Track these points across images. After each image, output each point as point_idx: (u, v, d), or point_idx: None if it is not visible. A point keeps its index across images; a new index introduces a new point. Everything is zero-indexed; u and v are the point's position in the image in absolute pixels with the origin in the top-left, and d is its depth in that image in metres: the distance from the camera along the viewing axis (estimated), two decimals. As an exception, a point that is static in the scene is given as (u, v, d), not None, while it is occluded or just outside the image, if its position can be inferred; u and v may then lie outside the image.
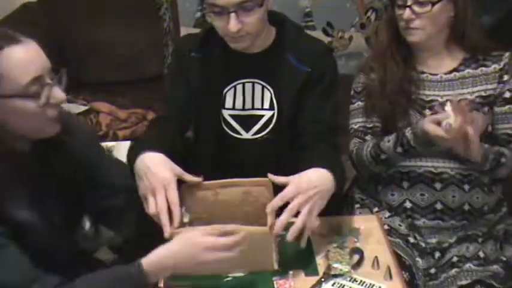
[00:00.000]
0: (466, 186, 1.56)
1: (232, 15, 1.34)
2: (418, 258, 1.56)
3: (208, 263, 1.14)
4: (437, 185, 1.56)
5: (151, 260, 1.13)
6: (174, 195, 1.22)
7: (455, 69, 1.59)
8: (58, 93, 1.13)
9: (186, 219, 1.30)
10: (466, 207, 1.56)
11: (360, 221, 1.49)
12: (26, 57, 1.09)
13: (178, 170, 1.28)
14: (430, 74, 1.61)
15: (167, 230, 1.20)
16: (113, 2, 3.04)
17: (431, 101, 1.58)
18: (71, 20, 2.94)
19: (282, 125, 1.52)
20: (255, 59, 1.51)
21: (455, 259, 1.54)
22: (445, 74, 1.60)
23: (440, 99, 1.57)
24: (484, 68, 1.57)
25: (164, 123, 1.50)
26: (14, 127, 1.11)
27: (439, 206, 1.57)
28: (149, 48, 3.06)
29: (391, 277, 1.28)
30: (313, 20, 3.01)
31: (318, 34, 2.90)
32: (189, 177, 1.29)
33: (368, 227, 1.46)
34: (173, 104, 1.54)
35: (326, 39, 2.95)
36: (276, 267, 1.26)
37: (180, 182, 1.30)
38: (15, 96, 1.07)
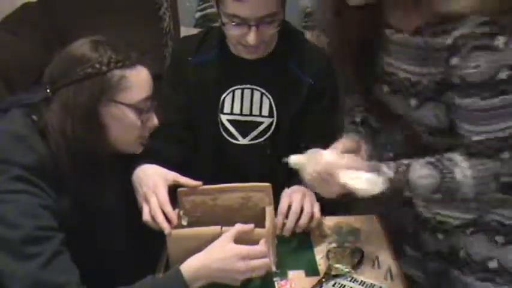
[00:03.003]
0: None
1: (254, 28, 1.33)
2: None
3: (239, 272, 1.15)
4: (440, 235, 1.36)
5: (189, 267, 1.14)
6: (162, 196, 1.24)
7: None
8: (154, 119, 1.28)
9: (184, 223, 1.30)
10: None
11: (360, 221, 1.49)
12: (147, 78, 1.25)
13: (172, 175, 1.30)
14: (396, 30, 1.22)
15: (166, 227, 1.21)
16: (112, 2, 3.03)
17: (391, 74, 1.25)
18: (71, 20, 2.93)
19: (280, 133, 1.52)
20: (256, 65, 1.49)
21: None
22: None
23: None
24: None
25: (164, 133, 1.48)
26: (111, 134, 1.22)
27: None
28: (149, 48, 3.06)
29: (392, 277, 1.28)
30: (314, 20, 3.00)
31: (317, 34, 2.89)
32: (184, 180, 1.30)
33: (368, 227, 1.46)
34: (173, 110, 1.53)
35: (326, 39, 2.94)
36: (273, 269, 1.26)
37: (178, 187, 1.31)
38: (130, 106, 1.21)
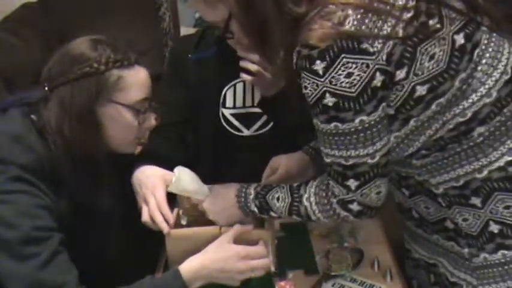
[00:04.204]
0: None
1: None
2: None
3: (239, 272, 1.16)
4: None
5: (188, 267, 1.14)
6: (160, 197, 1.24)
7: None
8: (152, 120, 1.27)
9: (183, 222, 1.30)
10: None
11: (360, 221, 1.48)
12: (145, 79, 1.24)
13: (171, 175, 1.29)
14: None
15: (165, 227, 1.21)
16: (113, 2, 3.04)
17: None
18: (71, 20, 2.93)
19: (281, 123, 1.51)
20: None
21: None
22: None
23: None
24: None
25: (164, 133, 1.48)
26: (107, 134, 1.21)
27: None
28: (149, 48, 3.06)
29: (391, 278, 1.28)
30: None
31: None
32: None
33: (368, 227, 1.46)
34: (173, 109, 1.52)
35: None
36: (273, 269, 1.26)
37: None
38: (127, 107, 1.20)
